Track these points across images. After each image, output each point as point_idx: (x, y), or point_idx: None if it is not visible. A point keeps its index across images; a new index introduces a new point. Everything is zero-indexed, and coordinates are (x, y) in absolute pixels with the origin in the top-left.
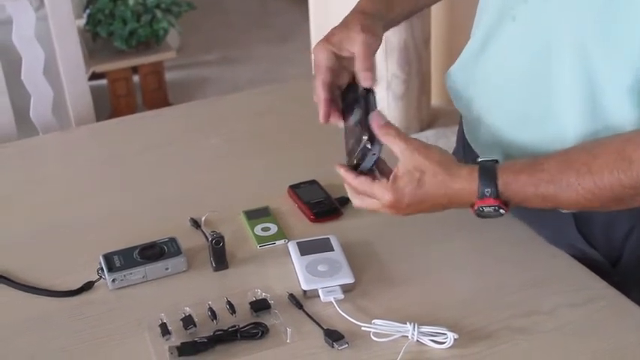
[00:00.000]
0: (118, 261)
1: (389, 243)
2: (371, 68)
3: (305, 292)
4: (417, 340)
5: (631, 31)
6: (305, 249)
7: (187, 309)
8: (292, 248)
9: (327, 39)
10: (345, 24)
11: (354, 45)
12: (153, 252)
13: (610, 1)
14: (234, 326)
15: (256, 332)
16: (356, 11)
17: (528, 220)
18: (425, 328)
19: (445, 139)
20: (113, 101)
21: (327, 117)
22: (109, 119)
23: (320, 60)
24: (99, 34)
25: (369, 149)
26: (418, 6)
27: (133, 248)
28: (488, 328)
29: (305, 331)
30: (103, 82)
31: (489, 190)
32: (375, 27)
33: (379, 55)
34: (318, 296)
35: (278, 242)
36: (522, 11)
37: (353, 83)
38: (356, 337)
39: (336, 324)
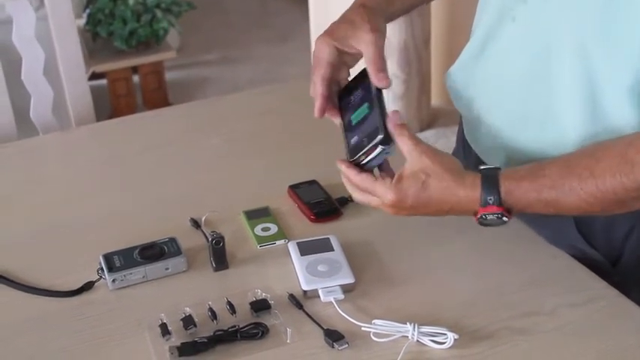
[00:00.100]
0: (118, 261)
1: (389, 243)
2: (385, 69)
3: (305, 292)
4: (417, 341)
5: (631, 31)
6: (305, 249)
7: (187, 309)
8: (292, 248)
9: (330, 33)
10: (350, 21)
11: (362, 44)
12: (153, 252)
13: (610, 1)
14: (235, 326)
15: (256, 332)
16: (358, 5)
17: (528, 220)
18: (425, 329)
19: (445, 139)
20: (113, 101)
21: (323, 112)
22: (109, 119)
23: (321, 54)
24: (99, 34)
25: (384, 148)
26: (418, 0)
27: (133, 248)
28: (489, 329)
29: (305, 331)
30: (103, 82)
31: (492, 197)
32: (380, 24)
33: None
34: (318, 296)
35: (278, 242)
36: (522, 12)
37: (359, 80)
38: (356, 337)
39: (336, 324)
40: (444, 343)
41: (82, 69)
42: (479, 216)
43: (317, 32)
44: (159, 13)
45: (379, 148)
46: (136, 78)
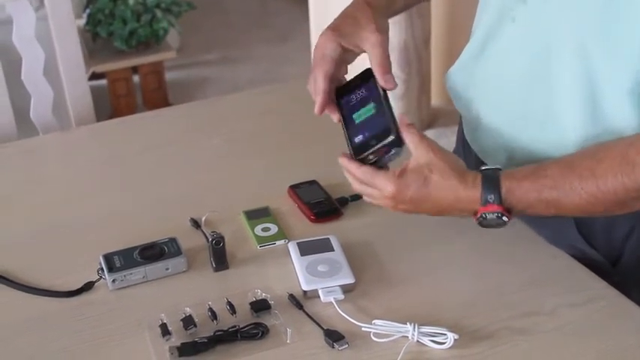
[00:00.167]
0: (118, 261)
1: (389, 243)
2: (391, 70)
3: (305, 292)
4: (417, 341)
5: (631, 32)
6: (305, 249)
7: (187, 309)
8: (292, 248)
9: (335, 29)
10: (355, 18)
11: (367, 45)
12: (153, 252)
13: (610, 1)
14: (235, 326)
15: (256, 332)
16: (362, 2)
17: (528, 221)
18: (425, 329)
19: (445, 139)
20: (113, 101)
21: (324, 109)
22: (109, 119)
23: (326, 50)
24: (99, 34)
25: (394, 150)
26: None
27: (133, 248)
28: (489, 329)
29: (305, 331)
30: (103, 82)
31: (492, 196)
32: (384, 24)
33: None
34: (319, 296)
35: (278, 242)
36: (522, 12)
37: (362, 79)
38: (356, 337)
39: (337, 324)
40: (444, 343)
41: (82, 69)
42: (479, 215)
43: (317, 32)
44: (159, 13)
45: (392, 150)
46: (136, 78)
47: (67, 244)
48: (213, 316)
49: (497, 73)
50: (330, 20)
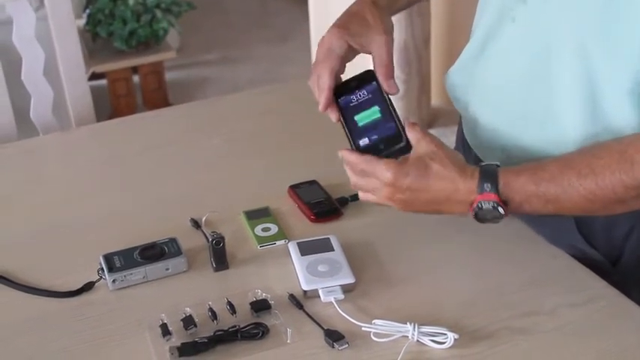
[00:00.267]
0: (119, 261)
1: (389, 243)
2: (393, 74)
3: (305, 292)
4: (418, 341)
5: (631, 32)
6: (305, 249)
7: (188, 309)
8: (292, 248)
9: (343, 27)
10: (363, 17)
11: (374, 45)
12: (153, 252)
13: (610, 2)
14: (235, 326)
15: (257, 332)
16: (367, 1)
17: (528, 220)
18: (425, 328)
19: (445, 139)
20: (113, 101)
21: (329, 106)
22: (109, 119)
23: (334, 47)
24: (99, 34)
25: (403, 156)
26: None
27: (134, 248)
28: (489, 329)
29: (305, 331)
30: (103, 82)
31: (489, 185)
32: (390, 24)
33: None
34: (319, 296)
35: (278, 242)
36: (522, 12)
37: (363, 80)
38: (356, 337)
39: (337, 324)
40: (444, 343)
41: (82, 69)
42: (475, 205)
43: (317, 32)
44: (159, 14)
45: (400, 156)
46: (136, 78)
47: (67, 244)
48: (214, 316)
49: (497, 73)
50: (330, 20)
